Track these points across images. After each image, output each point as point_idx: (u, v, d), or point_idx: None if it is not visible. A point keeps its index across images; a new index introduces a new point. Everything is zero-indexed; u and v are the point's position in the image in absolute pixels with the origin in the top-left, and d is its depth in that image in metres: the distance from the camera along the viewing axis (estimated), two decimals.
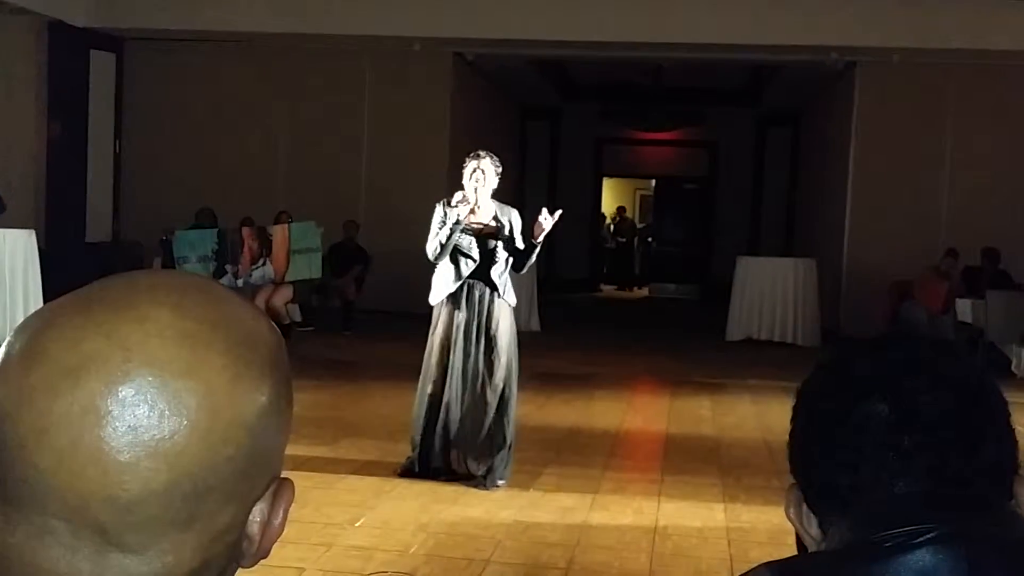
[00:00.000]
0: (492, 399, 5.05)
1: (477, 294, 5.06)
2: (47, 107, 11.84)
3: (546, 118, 18.55)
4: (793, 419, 0.90)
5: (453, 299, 5.08)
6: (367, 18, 11.79)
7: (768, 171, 18.05)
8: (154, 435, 0.57)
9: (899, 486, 0.82)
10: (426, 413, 5.15)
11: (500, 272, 5.10)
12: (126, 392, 0.57)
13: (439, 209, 5.11)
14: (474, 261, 5.05)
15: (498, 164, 5.14)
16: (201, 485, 0.59)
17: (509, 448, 5.17)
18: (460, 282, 5.05)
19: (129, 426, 0.57)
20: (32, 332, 0.60)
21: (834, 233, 12.99)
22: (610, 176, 20.41)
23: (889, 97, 12.31)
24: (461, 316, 5.04)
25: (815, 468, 0.87)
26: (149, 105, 12.95)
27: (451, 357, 5.05)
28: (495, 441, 5.09)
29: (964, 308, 10.00)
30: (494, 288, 5.07)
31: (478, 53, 13.17)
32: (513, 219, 5.15)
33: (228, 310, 0.63)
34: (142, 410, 0.57)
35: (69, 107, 12.02)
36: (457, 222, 4.98)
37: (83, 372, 0.57)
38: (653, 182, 20.49)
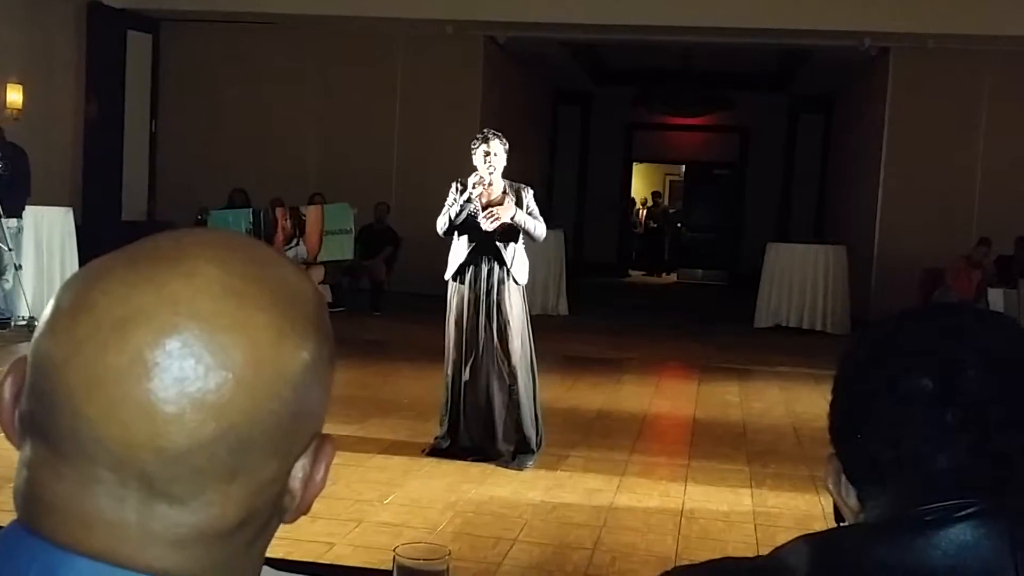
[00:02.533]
0: (510, 381, 5.11)
1: (485, 269, 5.11)
2: (85, 87, 11.97)
3: (577, 103, 18.51)
4: (834, 390, 0.89)
5: (463, 274, 5.15)
6: (400, 0, 11.82)
7: (799, 157, 17.92)
8: (200, 387, 0.58)
9: (940, 460, 0.81)
10: (451, 393, 5.23)
11: (508, 245, 5.13)
12: (173, 345, 0.57)
13: (453, 186, 5.21)
14: (482, 230, 5.09)
15: (505, 142, 5.17)
16: (245, 438, 0.59)
17: (537, 430, 5.21)
18: (468, 249, 5.11)
19: (176, 378, 0.57)
20: (81, 285, 0.60)
21: (865, 220, 12.90)
22: (640, 161, 20.35)
23: (923, 83, 12.18)
24: (470, 293, 5.11)
25: (855, 440, 0.86)
26: (184, 86, 13.06)
27: (463, 334, 5.12)
28: (520, 422, 5.14)
29: (996, 297, 9.92)
30: (502, 261, 5.11)
31: (510, 36, 13.16)
32: (524, 195, 5.19)
33: (273, 268, 0.64)
34: (189, 363, 0.57)
35: (106, 87, 12.15)
36: (468, 200, 5.06)
37: (132, 324, 0.58)
38: (683, 167, 20.42)
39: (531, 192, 5.25)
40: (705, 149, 19.26)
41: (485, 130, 5.23)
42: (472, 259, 5.13)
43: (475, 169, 5.15)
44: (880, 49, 12.32)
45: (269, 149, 12.89)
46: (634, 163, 20.00)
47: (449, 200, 5.17)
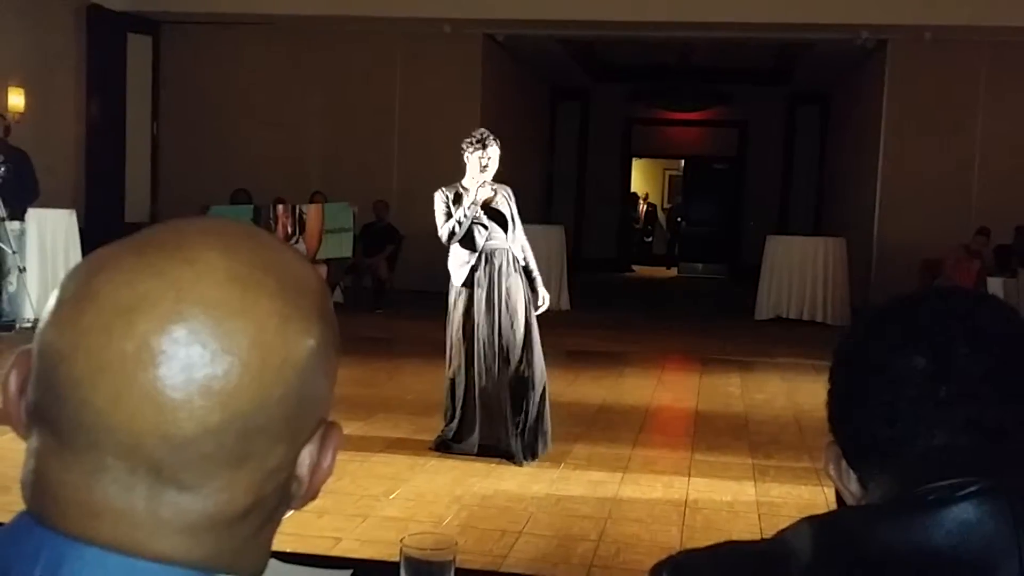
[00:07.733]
0: (515, 374, 5.10)
1: (497, 264, 5.12)
2: (86, 90, 11.98)
3: (576, 99, 18.52)
4: (831, 376, 0.90)
5: (471, 279, 5.14)
6: (398, 0, 11.84)
7: (798, 150, 17.93)
8: (207, 374, 0.57)
9: (937, 437, 0.81)
10: (454, 390, 5.24)
11: (512, 234, 5.19)
12: (179, 332, 0.57)
13: (440, 196, 5.19)
14: (486, 228, 5.12)
15: (497, 144, 5.20)
16: (253, 424, 0.59)
17: (541, 423, 5.24)
18: (478, 252, 5.12)
19: (183, 365, 0.57)
20: (85, 275, 0.60)
21: (864, 212, 12.92)
22: (640, 156, 20.35)
23: (920, 75, 12.19)
24: (480, 291, 5.10)
25: (853, 422, 0.86)
26: (185, 87, 13.07)
27: (474, 333, 5.11)
28: (526, 416, 5.15)
29: (996, 287, 9.93)
30: (506, 259, 5.14)
31: (509, 34, 13.18)
32: (508, 193, 5.26)
33: (277, 255, 0.64)
34: (195, 349, 0.57)
35: (107, 90, 12.17)
36: (473, 203, 5.08)
37: (137, 312, 0.57)
38: (683, 162, 20.43)
39: (510, 190, 5.31)
40: (704, 144, 19.27)
41: (481, 132, 5.21)
42: (484, 256, 5.12)
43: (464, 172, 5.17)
44: (877, 41, 12.32)
45: (270, 149, 12.90)
46: (633, 158, 20.01)
47: (441, 209, 5.16)
